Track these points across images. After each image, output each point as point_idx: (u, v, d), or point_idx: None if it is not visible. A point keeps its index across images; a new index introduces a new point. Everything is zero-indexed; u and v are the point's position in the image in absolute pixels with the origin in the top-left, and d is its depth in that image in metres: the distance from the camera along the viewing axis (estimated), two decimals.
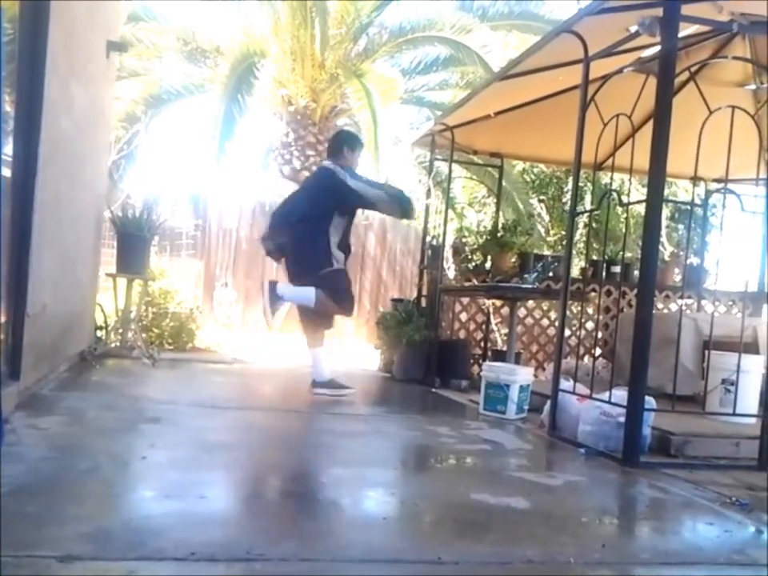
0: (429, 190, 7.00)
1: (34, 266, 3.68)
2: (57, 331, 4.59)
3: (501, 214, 7.74)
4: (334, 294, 4.77)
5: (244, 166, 12.66)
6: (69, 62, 4.27)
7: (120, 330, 6.40)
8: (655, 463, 3.57)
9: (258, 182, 13.02)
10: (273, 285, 4.81)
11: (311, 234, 4.72)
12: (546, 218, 7.89)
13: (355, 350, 8.59)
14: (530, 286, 5.59)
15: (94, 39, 5.15)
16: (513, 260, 7.11)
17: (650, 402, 3.81)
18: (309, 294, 4.75)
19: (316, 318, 4.90)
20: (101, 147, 6.09)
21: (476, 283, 6.39)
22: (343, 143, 4.95)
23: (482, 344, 6.98)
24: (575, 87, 4.54)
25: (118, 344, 6.34)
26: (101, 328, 6.56)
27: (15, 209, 3.55)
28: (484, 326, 7.00)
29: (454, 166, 6.90)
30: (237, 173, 12.36)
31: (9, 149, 3.52)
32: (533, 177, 8.77)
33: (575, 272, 7.29)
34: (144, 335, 6.98)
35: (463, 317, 6.98)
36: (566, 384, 4.28)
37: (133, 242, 6.15)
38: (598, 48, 4.14)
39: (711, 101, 3.81)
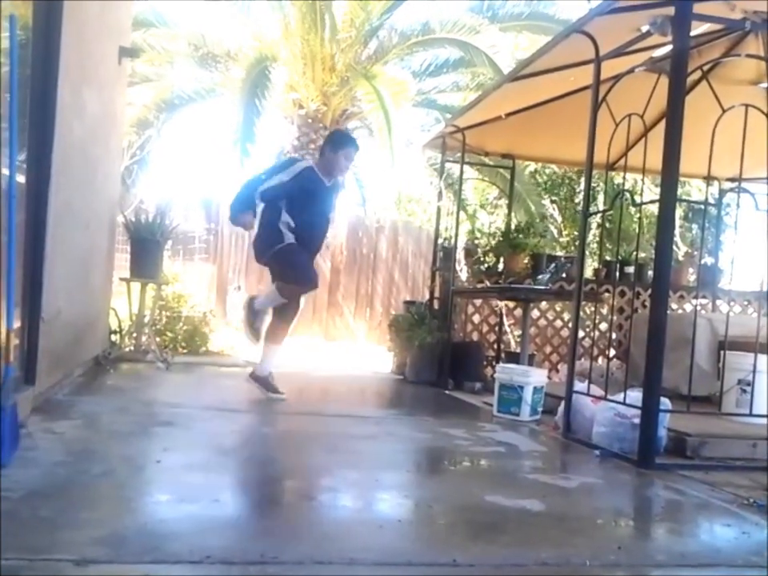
0: (440, 192, 6.99)
1: (47, 272, 3.70)
2: (71, 336, 4.62)
3: (513, 215, 7.72)
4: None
5: (255, 169, 12.68)
6: (81, 68, 4.30)
7: (134, 334, 6.43)
8: (671, 465, 3.54)
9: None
10: (251, 302, 4.89)
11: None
12: (559, 218, 7.86)
13: (368, 352, 8.59)
14: (542, 287, 5.57)
15: (105, 45, 5.19)
16: (525, 261, 7.10)
17: (665, 403, 3.79)
18: (273, 291, 4.80)
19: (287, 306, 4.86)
20: (113, 152, 6.12)
21: (489, 285, 6.38)
22: (326, 143, 4.93)
23: (495, 346, 6.96)
24: (586, 88, 4.52)
25: (132, 348, 6.38)
26: (115, 332, 6.59)
27: (29, 214, 3.58)
28: (497, 328, 6.98)
29: (466, 168, 6.89)
30: (248, 176, 12.36)
31: (22, 155, 3.55)
32: (545, 178, 8.74)
33: (588, 273, 7.26)
34: (158, 339, 7.02)
35: (476, 319, 6.96)
36: (580, 385, 4.26)
37: (146, 247, 6.19)
38: (609, 48, 4.12)
39: (724, 99, 3.78)
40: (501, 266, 6.77)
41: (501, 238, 6.94)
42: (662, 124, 3.65)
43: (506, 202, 7.91)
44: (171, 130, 11.72)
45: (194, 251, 9.90)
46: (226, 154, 10.03)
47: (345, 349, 9.27)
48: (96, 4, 4.61)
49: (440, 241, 7.03)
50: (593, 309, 6.14)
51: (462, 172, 6.78)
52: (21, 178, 3.49)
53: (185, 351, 7.28)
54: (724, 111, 3.70)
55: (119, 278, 6.50)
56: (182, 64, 10.95)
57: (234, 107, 10.01)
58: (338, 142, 4.90)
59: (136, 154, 9.20)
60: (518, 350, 6.16)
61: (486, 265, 6.76)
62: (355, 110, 11.97)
